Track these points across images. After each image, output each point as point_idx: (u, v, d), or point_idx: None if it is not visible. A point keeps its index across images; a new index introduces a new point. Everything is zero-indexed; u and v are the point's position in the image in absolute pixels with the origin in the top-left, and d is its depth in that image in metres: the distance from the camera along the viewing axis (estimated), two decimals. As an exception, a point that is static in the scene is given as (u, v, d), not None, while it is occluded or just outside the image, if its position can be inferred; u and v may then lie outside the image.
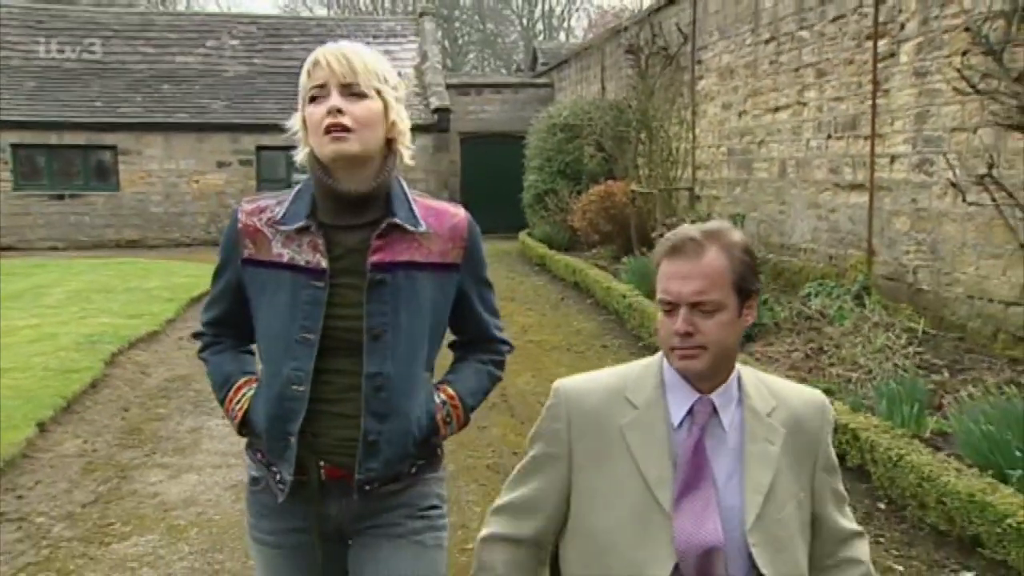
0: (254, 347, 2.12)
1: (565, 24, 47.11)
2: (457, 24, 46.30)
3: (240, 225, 2.01)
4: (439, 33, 29.06)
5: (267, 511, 2.06)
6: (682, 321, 1.72)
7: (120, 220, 19.79)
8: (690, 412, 1.78)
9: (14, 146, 19.08)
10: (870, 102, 8.80)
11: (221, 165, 20.04)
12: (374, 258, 1.95)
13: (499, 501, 1.93)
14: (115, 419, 6.52)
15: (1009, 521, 3.73)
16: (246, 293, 2.04)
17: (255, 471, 2.10)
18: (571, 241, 14.84)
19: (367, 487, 1.99)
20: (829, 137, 9.73)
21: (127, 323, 9.28)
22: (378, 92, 1.96)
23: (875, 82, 8.72)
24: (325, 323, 1.94)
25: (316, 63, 1.94)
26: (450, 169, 21.33)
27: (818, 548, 1.85)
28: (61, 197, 19.49)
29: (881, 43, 8.65)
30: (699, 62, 13.44)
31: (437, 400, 2.08)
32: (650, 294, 9.09)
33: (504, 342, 2.22)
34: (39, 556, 4.32)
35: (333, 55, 1.93)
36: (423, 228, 1.99)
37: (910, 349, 6.91)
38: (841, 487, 1.90)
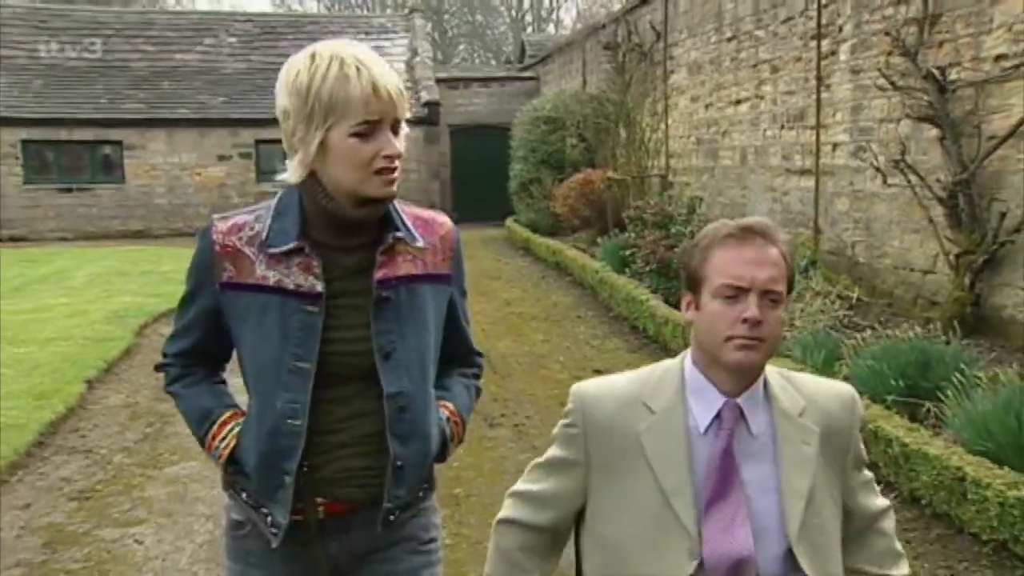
0: (226, 376, 2.01)
1: (554, 16, 47.49)
2: (447, 16, 46.68)
3: (218, 248, 1.84)
4: (429, 26, 30.02)
5: (255, 559, 1.91)
6: (756, 307, 1.65)
7: (126, 211, 20.75)
8: (717, 417, 1.71)
9: (24, 142, 20.05)
10: (815, 96, 9.82)
11: (222, 158, 21.01)
12: (379, 275, 1.85)
13: (518, 486, 1.89)
14: (150, 379, 7.51)
15: (893, 443, 4.68)
16: (223, 320, 1.88)
17: (238, 514, 1.93)
18: (554, 226, 15.84)
19: (391, 517, 1.89)
20: (782, 127, 10.76)
21: (148, 300, 10.28)
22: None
23: (819, 78, 9.74)
24: (321, 349, 1.81)
25: (375, 92, 1.75)
26: (440, 160, 22.32)
27: (848, 529, 1.82)
28: (69, 190, 20.47)
29: (824, 43, 9.67)
30: (671, 58, 14.45)
31: (443, 416, 1.99)
32: (619, 269, 10.12)
33: (480, 353, 2.16)
34: (107, 475, 5.35)
35: (390, 91, 1.77)
36: (420, 243, 1.90)
37: (841, 312, 7.95)
38: (869, 472, 1.88)
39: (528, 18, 46.99)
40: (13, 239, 19.49)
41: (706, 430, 1.70)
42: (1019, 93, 6.70)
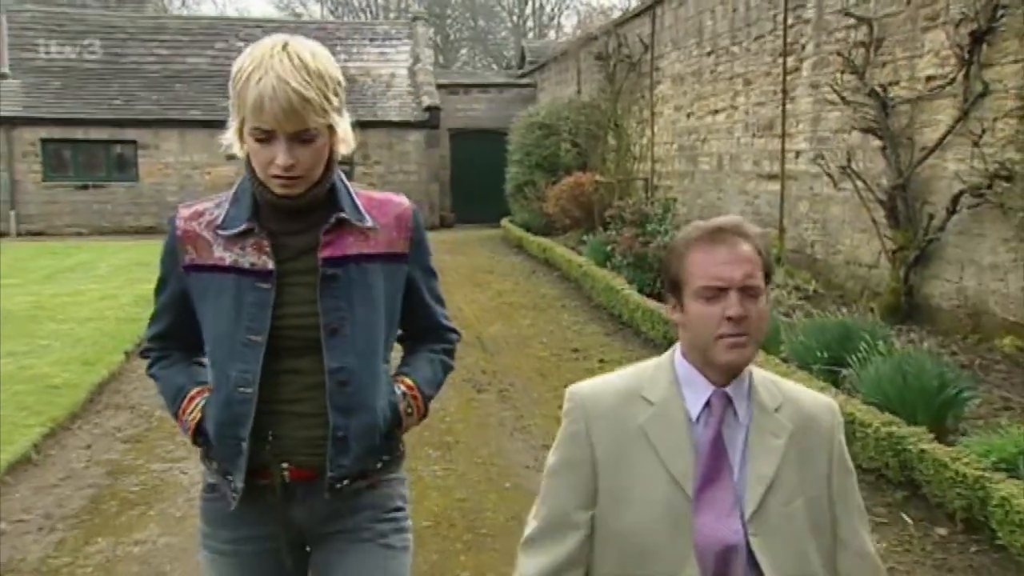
0: (204, 358, 2.07)
1: (555, 22, 47.56)
2: (449, 20, 47.09)
3: (179, 232, 1.96)
4: (431, 30, 31.01)
5: (225, 519, 2.01)
6: (738, 304, 1.70)
7: (139, 208, 21.71)
8: (707, 405, 1.78)
9: (43, 141, 21.02)
10: (781, 108, 10.79)
11: (230, 158, 21.85)
12: (324, 253, 1.93)
13: (527, 533, 1.85)
14: (178, 353, 8.48)
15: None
16: (191, 303, 1.99)
17: (211, 478, 2.05)
18: (547, 226, 16.77)
19: (337, 485, 1.96)
20: (753, 136, 11.73)
21: (171, 288, 11.25)
22: (326, 124, 1.89)
23: (784, 91, 10.71)
24: (274, 323, 1.91)
25: (261, 105, 1.80)
26: (440, 162, 23.30)
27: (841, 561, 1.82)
28: (86, 187, 21.44)
29: (789, 60, 10.64)
30: (657, 69, 15.43)
31: (397, 392, 2.06)
32: (601, 263, 11.08)
33: (453, 330, 2.21)
34: (151, 425, 6.29)
35: (280, 107, 1.80)
36: (369, 222, 1.97)
37: (795, 301, 8.90)
38: (858, 495, 1.88)
39: (530, 23, 47.16)
40: (31, 233, 20.46)
41: (697, 418, 1.78)
42: (945, 110, 7.66)
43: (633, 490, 1.76)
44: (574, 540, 1.78)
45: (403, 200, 2.07)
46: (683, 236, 1.81)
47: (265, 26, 25.74)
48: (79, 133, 21.18)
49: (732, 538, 1.71)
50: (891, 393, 5.11)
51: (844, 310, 7.21)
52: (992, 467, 4.08)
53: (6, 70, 21.50)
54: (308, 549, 2.04)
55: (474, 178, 22.65)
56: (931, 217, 7.82)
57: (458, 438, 5.92)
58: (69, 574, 4.11)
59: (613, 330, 9.19)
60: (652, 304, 8.62)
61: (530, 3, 47.33)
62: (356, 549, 2.02)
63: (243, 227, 1.91)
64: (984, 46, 7.14)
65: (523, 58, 27.60)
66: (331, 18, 43.83)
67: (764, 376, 1.86)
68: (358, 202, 1.99)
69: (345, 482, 1.96)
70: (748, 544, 1.71)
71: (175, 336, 2.06)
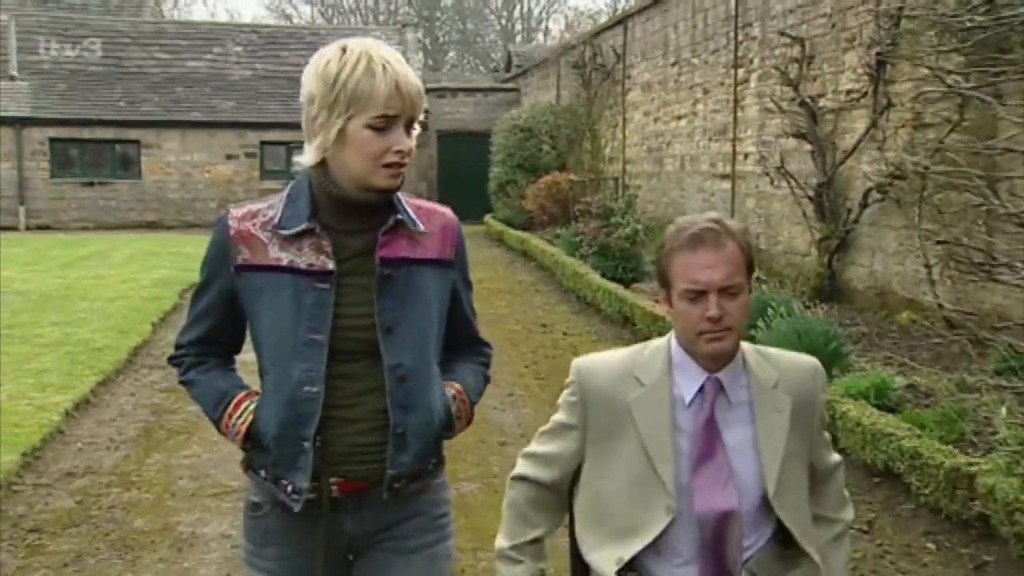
0: (235, 365, 2.10)
1: (543, 25, 48.09)
2: (438, 23, 47.57)
3: (232, 232, 1.96)
4: (420, 32, 32.24)
5: (271, 537, 2.03)
6: (715, 307, 1.85)
7: (142, 204, 22.89)
8: (700, 390, 1.94)
9: (52, 140, 22.19)
10: (733, 115, 12.06)
11: (230, 157, 23.18)
12: (381, 253, 1.95)
13: (529, 448, 2.15)
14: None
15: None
16: (239, 303, 1.99)
17: (256, 495, 2.05)
18: (527, 222, 17.99)
19: (396, 484, 1.97)
20: (710, 140, 13.01)
21: (183, 272, 12.41)
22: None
23: (736, 100, 11.98)
24: (333, 324, 1.92)
25: (397, 90, 1.87)
26: (428, 163, 24.59)
27: (811, 482, 2.06)
28: (91, 184, 22.63)
29: (740, 72, 11.92)
30: (628, 77, 16.71)
31: (448, 394, 2.07)
32: (571, 253, 12.34)
33: (488, 344, 2.25)
34: (183, 380, 7.51)
35: (411, 92, 1.90)
36: (422, 228, 2.00)
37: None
38: (826, 433, 2.15)
39: (518, 27, 47.52)
40: (40, 228, 21.62)
41: (691, 402, 1.94)
42: (860, 119, 8.95)
43: (613, 459, 1.97)
44: (558, 473, 2.08)
45: (448, 211, 2.11)
46: (669, 237, 1.96)
47: (260, 31, 26.97)
48: (85, 133, 22.36)
49: (727, 505, 1.88)
50: (788, 348, 6.36)
51: (764, 287, 8.47)
52: (844, 395, 5.34)
53: (15, 72, 22.63)
54: (351, 558, 2.06)
55: (460, 177, 23.83)
56: (849, 211, 9.10)
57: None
58: (137, 475, 5.34)
59: (578, 309, 10.45)
60: (611, 286, 9.88)
61: (518, 7, 47.46)
62: (401, 562, 2.04)
63: (303, 226, 1.93)
64: (888, 66, 8.43)
65: (510, 62, 28.68)
66: (321, 20, 45.11)
67: (755, 353, 2.02)
68: (409, 209, 2.02)
69: (403, 482, 1.98)
70: (765, 517, 1.95)
71: (215, 341, 2.06)
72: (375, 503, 1.98)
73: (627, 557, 1.93)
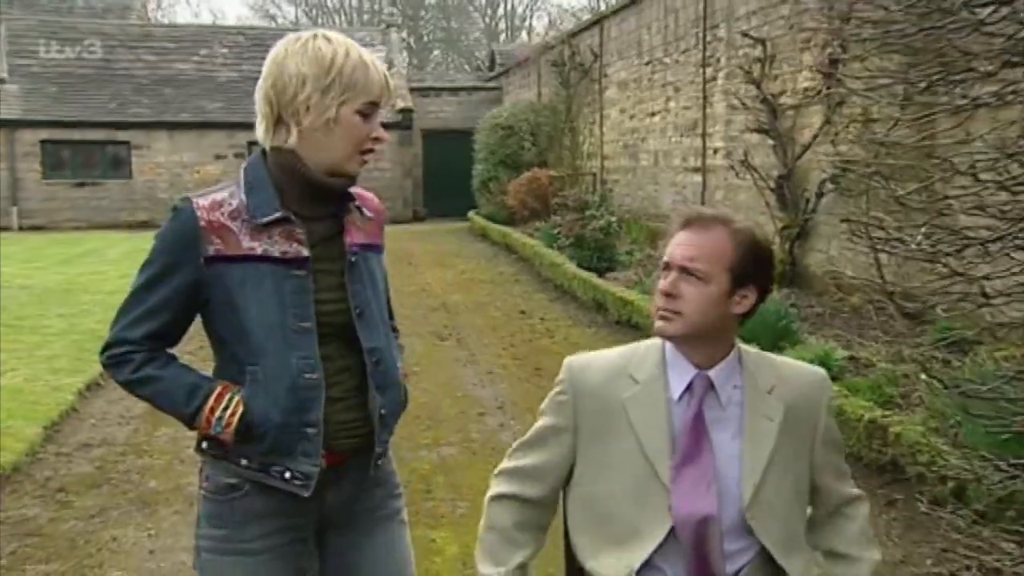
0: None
1: (527, 23, 48.61)
2: (422, 22, 47.91)
3: (202, 223, 1.90)
4: (405, 31, 32.74)
5: (252, 516, 1.99)
6: (669, 283, 1.82)
7: (132, 204, 23.35)
8: (689, 387, 1.87)
9: (43, 142, 22.64)
10: (702, 111, 12.66)
11: (218, 157, 23.66)
12: (348, 239, 2.01)
13: (505, 465, 2.02)
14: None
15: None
16: (200, 296, 1.94)
17: (230, 478, 1.98)
18: (509, 217, 18.51)
19: (379, 461, 2.07)
20: (682, 135, 13.60)
21: (178, 269, 12.98)
22: None
23: (705, 97, 12.58)
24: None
25: (383, 83, 1.95)
26: (413, 161, 25.11)
27: (818, 510, 1.98)
28: (83, 185, 23.09)
29: (708, 70, 12.51)
30: (605, 76, 17.29)
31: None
32: (550, 245, 12.91)
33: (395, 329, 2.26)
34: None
35: (388, 76, 1.96)
36: (369, 215, 2.08)
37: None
38: (843, 464, 2.00)
39: (502, 25, 47.94)
40: (33, 228, 22.07)
41: (680, 398, 1.87)
42: (816, 115, 9.55)
43: (607, 460, 1.89)
44: (546, 487, 1.98)
45: (374, 197, 2.17)
46: (672, 220, 1.94)
47: (247, 33, 27.44)
48: (76, 135, 22.81)
49: (708, 510, 1.80)
50: (757, 328, 6.94)
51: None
52: (787, 364, 5.93)
53: (5, 75, 23.05)
54: (326, 534, 2.09)
55: (444, 175, 24.37)
56: (807, 201, 9.70)
57: (424, 369, 7.71)
58: (148, 445, 5.88)
59: (555, 297, 11.03)
60: (586, 275, 10.46)
61: (502, 5, 47.87)
62: (381, 529, 2.13)
63: (277, 215, 1.92)
64: (841, 65, 9.02)
65: (493, 61, 29.23)
66: (305, 20, 45.53)
67: (757, 356, 1.96)
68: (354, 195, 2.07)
69: (384, 457, 2.10)
70: (746, 524, 1.82)
71: (168, 335, 1.99)
72: (353, 473, 2.05)
73: (637, 565, 1.85)
